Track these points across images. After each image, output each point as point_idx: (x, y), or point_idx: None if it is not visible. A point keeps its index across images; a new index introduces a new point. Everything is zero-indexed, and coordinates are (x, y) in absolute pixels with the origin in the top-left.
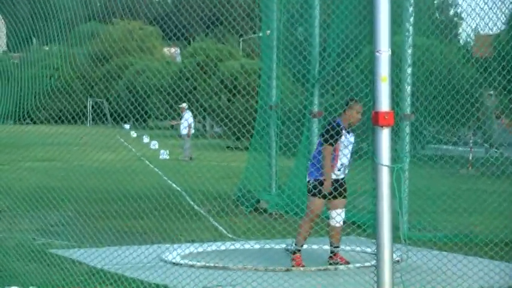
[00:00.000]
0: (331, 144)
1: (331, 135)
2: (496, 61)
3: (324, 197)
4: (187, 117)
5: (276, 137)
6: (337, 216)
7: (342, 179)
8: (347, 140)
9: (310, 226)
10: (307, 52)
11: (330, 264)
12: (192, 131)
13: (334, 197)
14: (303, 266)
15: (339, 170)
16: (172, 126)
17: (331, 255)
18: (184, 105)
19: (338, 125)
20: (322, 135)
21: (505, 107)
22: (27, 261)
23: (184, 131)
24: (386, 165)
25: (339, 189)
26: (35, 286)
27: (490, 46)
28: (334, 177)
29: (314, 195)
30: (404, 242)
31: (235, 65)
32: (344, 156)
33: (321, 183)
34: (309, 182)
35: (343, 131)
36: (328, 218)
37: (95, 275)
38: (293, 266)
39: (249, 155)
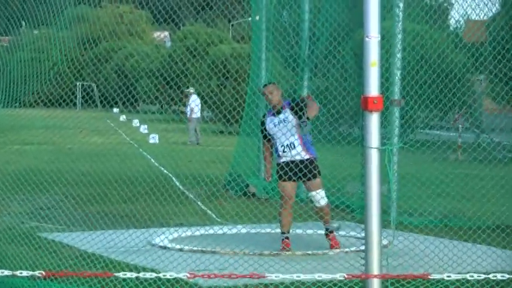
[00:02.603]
0: (265, 137)
1: (261, 131)
2: (491, 46)
3: (290, 178)
4: (191, 102)
5: None
6: (320, 198)
7: (303, 160)
8: (272, 122)
9: (287, 211)
10: (297, 36)
11: (327, 238)
12: (195, 115)
13: (308, 179)
14: (288, 251)
15: (284, 151)
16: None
17: (326, 236)
18: (190, 89)
19: (261, 122)
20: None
21: (496, 93)
22: (16, 245)
23: (188, 115)
24: (375, 148)
25: (305, 170)
26: (24, 269)
27: (482, 31)
28: (287, 159)
29: (280, 178)
30: (393, 226)
31: (225, 49)
32: (279, 138)
33: (290, 167)
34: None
35: (266, 117)
36: (309, 199)
37: (85, 258)
38: (281, 250)
39: (238, 139)
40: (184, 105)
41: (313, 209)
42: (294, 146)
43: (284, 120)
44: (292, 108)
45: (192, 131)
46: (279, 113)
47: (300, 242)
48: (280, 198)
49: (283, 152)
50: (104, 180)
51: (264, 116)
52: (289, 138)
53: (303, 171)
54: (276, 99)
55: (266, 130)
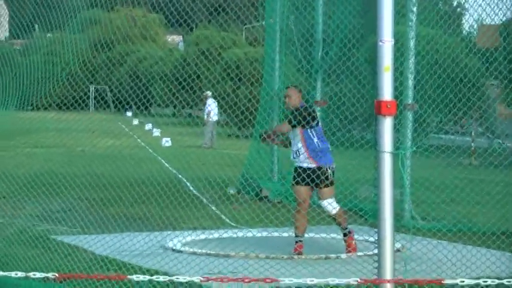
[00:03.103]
0: (303, 126)
1: (304, 117)
2: (505, 51)
3: (306, 183)
4: (207, 105)
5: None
6: (327, 206)
7: (310, 168)
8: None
9: (302, 215)
10: (311, 38)
11: (345, 242)
12: (213, 119)
13: (321, 186)
14: (300, 254)
15: (294, 157)
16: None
17: (344, 238)
18: (208, 93)
19: (314, 110)
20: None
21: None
22: (29, 247)
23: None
24: (388, 152)
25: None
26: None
27: (495, 36)
28: (299, 164)
29: (297, 182)
30: (408, 230)
31: (239, 52)
32: (295, 143)
33: (299, 171)
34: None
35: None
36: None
37: (98, 261)
38: (292, 253)
39: (252, 142)
40: (200, 109)
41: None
42: (299, 154)
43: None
44: (291, 113)
45: (208, 134)
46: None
47: (313, 246)
48: (295, 202)
49: (293, 157)
50: (118, 183)
51: (313, 109)
52: (296, 144)
53: (311, 178)
54: (292, 103)
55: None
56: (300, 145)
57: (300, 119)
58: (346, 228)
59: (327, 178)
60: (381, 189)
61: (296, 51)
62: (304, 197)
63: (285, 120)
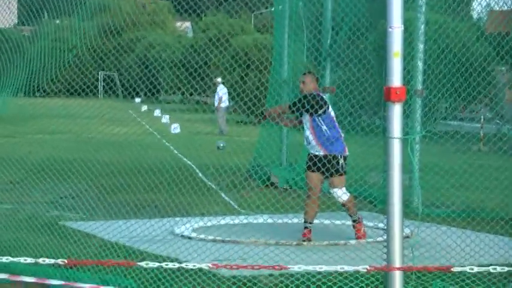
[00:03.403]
0: (311, 114)
1: (312, 105)
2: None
3: (317, 170)
4: (219, 91)
5: None
6: (342, 194)
7: (318, 155)
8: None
9: (312, 201)
10: (320, 26)
11: (354, 228)
12: (223, 104)
13: (331, 174)
14: (310, 240)
15: (305, 144)
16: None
17: (353, 226)
18: (218, 79)
19: (322, 98)
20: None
21: None
22: (39, 233)
23: (216, 104)
24: (397, 138)
25: (327, 166)
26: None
27: (504, 22)
28: (310, 151)
29: (309, 168)
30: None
31: (247, 39)
32: (306, 130)
33: (311, 157)
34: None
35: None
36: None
37: (108, 247)
38: (303, 240)
39: (260, 129)
40: (209, 95)
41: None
42: (309, 141)
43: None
44: (299, 100)
45: (221, 119)
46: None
47: (323, 232)
48: (307, 188)
49: (305, 144)
50: (127, 169)
51: (321, 97)
52: (306, 131)
53: (322, 165)
54: (306, 89)
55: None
56: (308, 132)
57: (299, 106)
58: (356, 215)
59: (337, 166)
60: (389, 175)
61: (305, 38)
62: (315, 183)
63: (290, 102)
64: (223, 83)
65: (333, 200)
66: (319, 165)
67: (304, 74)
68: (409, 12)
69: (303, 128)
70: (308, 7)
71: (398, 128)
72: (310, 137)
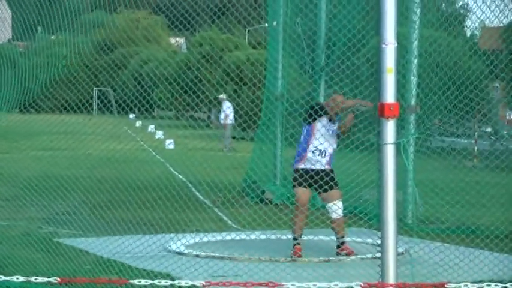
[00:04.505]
0: (309, 123)
1: (309, 114)
2: (509, 52)
3: (309, 185)
4: (225, 108)
5: (282, 127)
6: (336, 209)
7: (324, 170)
8: (324, 126)
9: (301, 217)
10: (313, 43)
11: (338, 254)
12: (230, 121)
13: (325, 190)
14: (300, 256)
15: (313, 152)
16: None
17: (337, 249)
18: (222, 96)
19: (321, 108)
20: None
21: None
22: (32, 250)
23: (222, 121)
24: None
25: (325, 179)
26: (40, 275)
27: (498, 38)
28: (307, 166)
29: (299, 184)
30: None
31: (241, 55)
32: (317, 139)
33: (301, 173)
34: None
35: (322, 116)
36: (326, 209)
37: (101, 264)
38: (291, 256)
39: (254, 145)
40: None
41: (329, 219)
42: (324, 155)
43: (333, 131)
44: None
45: (229, 137)
46: (331, 121)
47: (316, 249)
48: (295, 204)
49: (312, 153)
50: (120, 186)
51: (319, 106)
52: (324, 144)
53: (320, 182)
54: (339, 109)
55: (319, 124)
56: (333, 147)
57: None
58: (343, 237)
59: (334, 180)
60: (383, 189)
61: (300, 54)
62: (306, 200)
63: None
64: (214, 99)
65: (324, 215)
66: (321, 182)
67: (336, 92)
68: (402, 28)
69: (303, 142)
70: (302, 23)
71: (392, 144)
72: (330, 150)
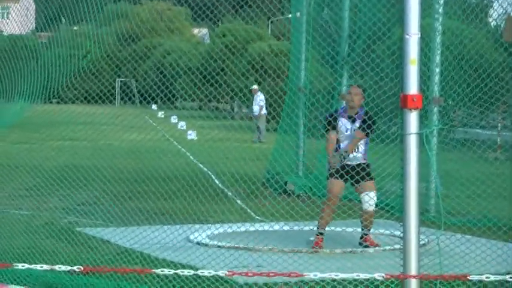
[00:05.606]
0: (333, 128)
1: (327, 123)
2: None
3: (342, 178)
4: (259, 100)
5: (305, 118)
6: (370, 200)
7: (360, 164)
8: (345, 126)
9: (331, 209)
10: (337, 34)
11: (360, 244)
12: (263, 112)
13: (358, 181)
14: (321, 248)
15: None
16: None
17: (361, 239)
18: (255, 87)
19: (331, 115)
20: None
21: None
22: (54, 240)
23: (256, 113)
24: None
25: (361, 173)
26: (62, 264)
27: None
28: (348, 162)
29: (331, 175)
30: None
31: (264, 46)
32: (342, 142)
33: (354, 168)
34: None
35: (340, 116)
36: (360, 201)
37: (123, 253)
38: (312, 247)
39: (277, 136)
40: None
41: (361, 209)
42: (357, 150)
43: (354, 130)
44: (363, 121)
45: (263, 129)
46: (352, 119)
47: (339, 240)
48: (327, 195)
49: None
50: (143, 177)
51: (335, 112)
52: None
53: (358, 173)
54: (357, 103)
55: (336, 127)
56: (362, 145)
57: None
58: (369, 230)
59: (371, 173)
60: (406, 184)
61: (322, 45)
62: (338, 193)
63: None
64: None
65: (344, 208)
66: (361, 173)
67: (352, 85)
68: (425, 19)
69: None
70: (326, 14)
71: (415, 136)
72: (361, 147)
